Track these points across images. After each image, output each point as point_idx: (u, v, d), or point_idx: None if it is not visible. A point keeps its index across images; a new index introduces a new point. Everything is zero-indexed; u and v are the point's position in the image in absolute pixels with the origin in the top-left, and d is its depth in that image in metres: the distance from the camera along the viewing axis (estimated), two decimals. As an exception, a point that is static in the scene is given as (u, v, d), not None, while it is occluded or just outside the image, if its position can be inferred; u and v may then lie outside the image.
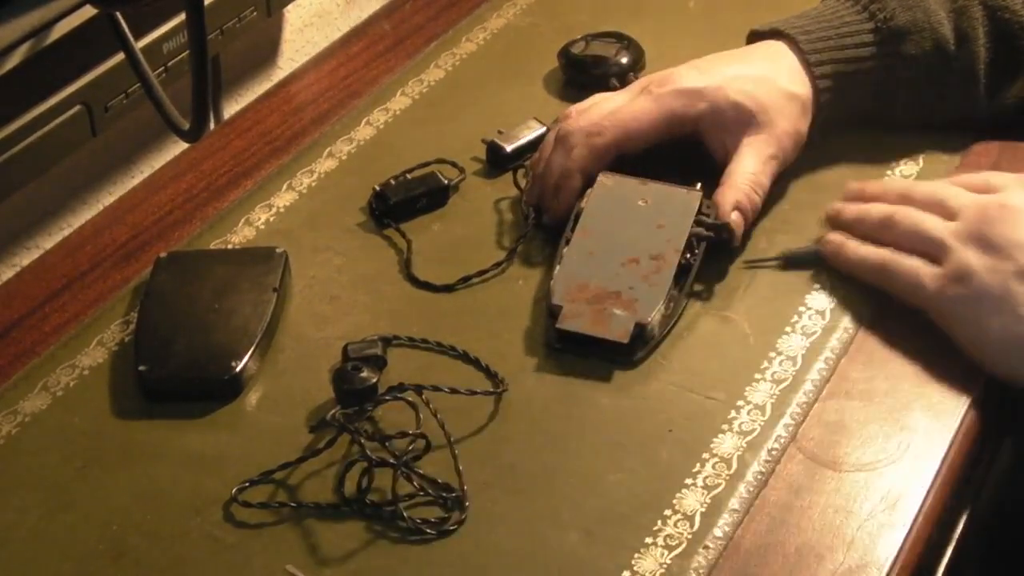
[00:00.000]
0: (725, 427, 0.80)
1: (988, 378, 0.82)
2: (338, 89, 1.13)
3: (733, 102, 0.93)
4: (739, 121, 0.93)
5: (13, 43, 0.90)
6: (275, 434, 0.82)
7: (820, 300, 0.88)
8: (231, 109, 1.19)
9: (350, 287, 0.93)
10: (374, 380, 0.81)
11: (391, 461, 0.77)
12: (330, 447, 0.79)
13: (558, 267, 0.88)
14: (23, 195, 0.98)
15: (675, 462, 0.78)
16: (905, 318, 0.85)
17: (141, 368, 0.85)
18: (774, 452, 0.78)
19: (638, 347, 0.85)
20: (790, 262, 0.91)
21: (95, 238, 1.00)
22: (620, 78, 1.05)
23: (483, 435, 0.81)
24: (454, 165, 1.01)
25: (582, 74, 1.08)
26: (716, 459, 0.78)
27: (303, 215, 0.99)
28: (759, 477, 0.77)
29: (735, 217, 0.90)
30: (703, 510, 0.75)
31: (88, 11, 0.93)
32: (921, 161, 0.98)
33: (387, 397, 0.81)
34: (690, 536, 0.74)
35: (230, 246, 0.96)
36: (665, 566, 0.73)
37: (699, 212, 0.90)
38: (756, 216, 0.92)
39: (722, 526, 0.74)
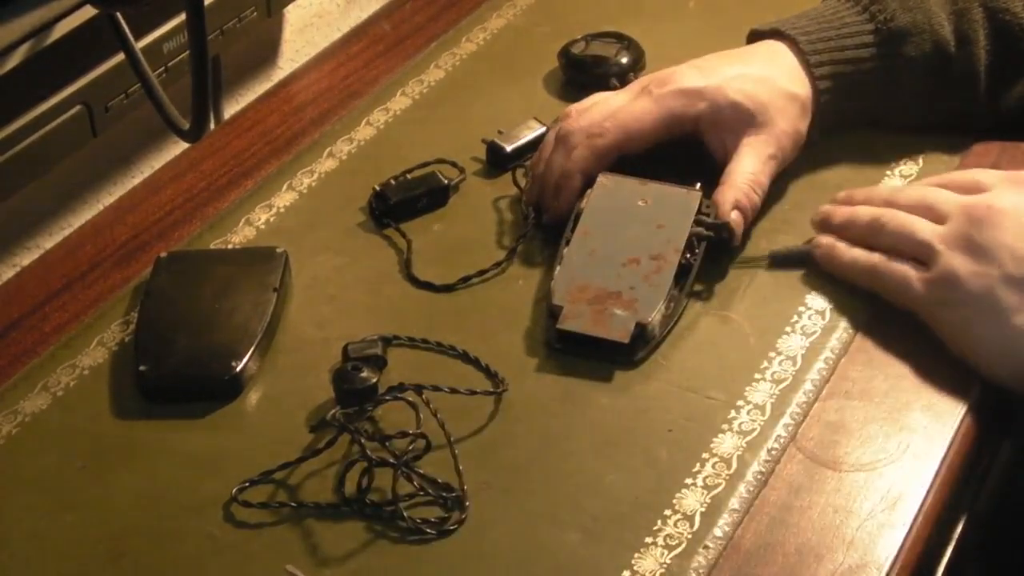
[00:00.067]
0: (725, 427, 0.80)
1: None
2: (338, 89, 1.13)
3: (733, 102, 0.93)
4: (739, 121, 0.93)
5: (13, 43, 0.90)
6: (275, 434, 0.82)
7: (820, 300, 0.88)
8: (231, 109, 1.19)
9: (350, 287, 0.93)
10: (374, 380, 0.82)
11: (391, 461, 0.77)
12: (330, 447, 0.79)
13: (558, 267, 0.88)
14: (23, 195, 0.98)
15: (675, 462, 0.78)
16: (905, 318, 0.85)
17: (141, 368, 0.85)
18: (774, 452, 0.78)
19: (638, 347, 0.85)
20: (777, 262, 0.90)
21: (95, 238, 1.00)
22: (620, 78, 1.05)
23: (483, 435, 0.81)
24: (454, 165, 1.01)
25: (582, 74, 1.08)
26: (716, 459, 0.78)
27: (303, 215, 0.99)
28: (759, 477, 0.77)
29: (735, 216, 0.90)
30: (703, 510, 0.75)
31: (88, 11, 0.93)
32: (921, 161, 0.98)
33: (387, 397, 0.81)
34: (690, 536, 0.74)
35: (230, 246, 0.96)
36: (665, 566, 0.73)
37: (699, 212, 0.90)
38: (756, 216, 0.92)
39: (722, 526, 0.74)
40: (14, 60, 0.91)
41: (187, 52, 0.87)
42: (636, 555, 0.73)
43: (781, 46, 0.97)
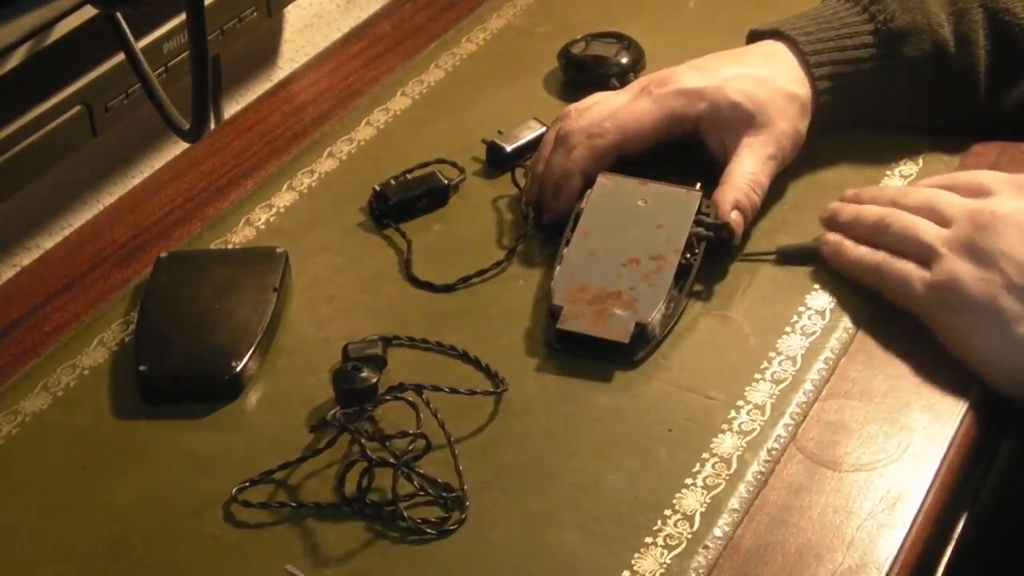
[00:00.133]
0: (725, 427, 0.80)
1: (987, 379, 0.82)
2: (338, 89, 1.13)
3: (732, 102, 0.93)
4: (738, 121, 0.93)
5: (13, 43, 0.90)
6: (275, 434, 0.82)
7: (820, 300, 0.88)
8: (231, 109, 1.19)
9: (350, 287, 0.93)
10: (374, 380, 0.82)
11: (391, 461, 0.77)
12: (330, 447, 0.79)
13: (558, 267, 0.88)
14: (23, 195, 0.98)
15: (675, 462, 0.78)
16: (905, 318, 0.85)
17: (141, 368, 0.85)
18: (774, 452, 0.78)
19: (638, 347, 0.85)
20: (785, 257, 0.91)
21: (95, 238, 1.00)
22: (620, 78, 1.05)
23: (483, 435, 0.81)
24: (454, 165, 1.01)
25: (582, 74, 1.08)
26: (716, 459, 0.78)
27: (303, 215, 0.99)
28: (759, 477, 0.77)
29: (735, 216, 0.90)
30: (703, 510, 0.75)
31: (88, 11, 0.93)
32: (921, 161, 0.98)
33: (387, 397, 0.81)
34: (690, 536, 0.74)
35: (230, 246, 0.96)
36: (665, 566, 0.73)
37: (699, 212, 0.90)
38: (755, 216, 0.92)
39: (722, 526, 0.74)
40: (14, 60, 0.91)
41: (187, 52, 0.87)
42: (636, 555, 0.73)
43: (781, 46, 0.97)
